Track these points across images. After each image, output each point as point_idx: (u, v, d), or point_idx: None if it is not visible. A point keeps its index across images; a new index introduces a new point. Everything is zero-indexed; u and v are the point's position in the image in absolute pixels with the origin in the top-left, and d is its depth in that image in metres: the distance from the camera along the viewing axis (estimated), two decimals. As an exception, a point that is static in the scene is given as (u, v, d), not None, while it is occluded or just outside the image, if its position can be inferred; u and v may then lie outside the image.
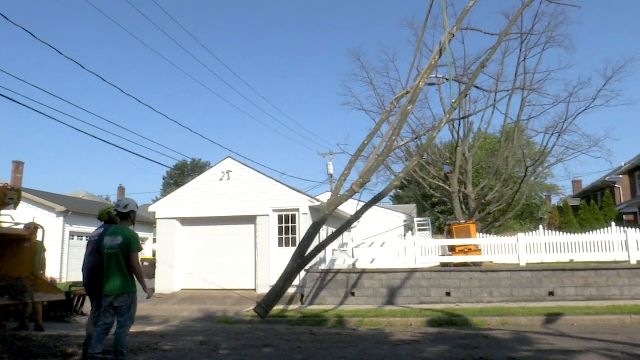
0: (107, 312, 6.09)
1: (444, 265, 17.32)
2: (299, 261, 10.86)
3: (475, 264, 16.86)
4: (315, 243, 12.70)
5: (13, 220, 10.38)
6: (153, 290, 6.52)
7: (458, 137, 27.02)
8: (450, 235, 19.95)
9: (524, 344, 8.04)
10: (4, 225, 10.52)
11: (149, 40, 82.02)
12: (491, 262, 19.66)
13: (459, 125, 27.05)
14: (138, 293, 6.41)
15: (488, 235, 25.07)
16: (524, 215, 42.49)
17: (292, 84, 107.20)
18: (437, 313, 11.79)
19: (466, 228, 19.61)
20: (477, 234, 21.27)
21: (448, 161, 27.83)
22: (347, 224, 12.14)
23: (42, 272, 10.73)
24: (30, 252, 9.98)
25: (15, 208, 9.93)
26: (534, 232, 23.74)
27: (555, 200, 45.94)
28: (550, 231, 24.16)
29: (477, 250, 19.00)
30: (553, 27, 24.61)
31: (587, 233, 20.35)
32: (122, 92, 35.51)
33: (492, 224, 29.57)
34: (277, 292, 10.17)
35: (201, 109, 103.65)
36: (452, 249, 19.01)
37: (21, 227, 10.16)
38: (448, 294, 14.21)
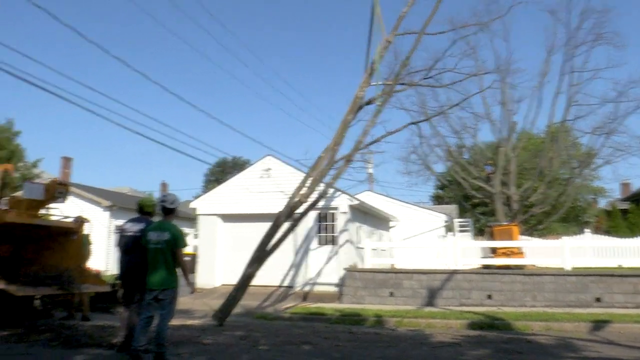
0: (150, 306, 6.21)
1: (485, 267, 16.99)
2: (250, 270, 11.88)
3: (517, 267, 16.47)
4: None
5: (62, 213, 10.73)
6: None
7: (501, 137, 26.44)
8: (491, 236, 19.55)
9: (569, 351, 7.82)
10: (54, 218, 10.90)
11: (189, 39, 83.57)
12: (534, 266, 19.14)
13: (502, 124, 26.48)
14: (180, 287, 6.53)
15: (531, 237, 24.45)
16: (568, 218, 41.23)
17: (332, 84, 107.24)
18: (478, 316, 11.59)
19: (508, 230, 19.17)
20: (520, 236, 20.77)
21: (490, 161, 27.27)
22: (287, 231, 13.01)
23: (87, 263, 11.08)
24: (78, 245, 10.30)
25: (64, 202, 10.25)
26: (580, 235, 23.03)
27: (602, 203, 44.44)
28: (596, 235, 23.40)
29: (519, 252, 18.55)
30: (601, 24, 23.77)
31: (637, 237, 19.59)
32: (165, 89, 36.49)
33: (535, 227, 28.86)
34: (231, 300, 11.25)
35: (242, 107, 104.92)
36: (494, 251, 18.63)
37: (69, 220, 10.50)
38: (489, 297, 13.94)
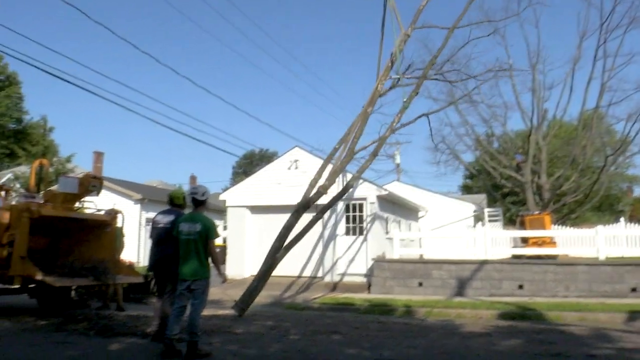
0: (183, 295, 6.32)
1: (515, 257, 16.79)
2: (270, 262, 11.94)
3: (549, 257, 16.22)
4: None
5: (95, 206, 10.98)
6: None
7: (531, 125, 25.95)
8: (522, 226, 19.30)
9: (605, 341, 7.68)
10: (88, 211, 11.16)
11: (216, 32, 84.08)
12: (567, 255, 18.84)
13: (532, 112, 25.99)
14: (212, 277, 6.63)
15: (563, 227, 24.03)
16: (602, 207, 40.38)
17: (360, 72, 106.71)
18: (509, 306, 11.46)
19: (540, 219, 18.90)
20: (552, 225, 20.45)
21: (520, 150, 26.85)
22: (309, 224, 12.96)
23: (121, 255, 11.33)
24: (111, 237, 10.51)
25: (97, 195, 10.47)
26: (614, 224, 22.51)
27: (637, 192, 43.32)
28: (631, 224, 22.83)
29: (551, 242, 18.29)
30: (636, 7, 23.06)
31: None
32: (193, 83, 37.04)
33: (568, 216, 28.33)
34: (252, 291, 11.13)
35: (269, 99, 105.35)
36: (525, 240, 18.39)
37: (103, 213, 10.73)
38: (520, 287, 13.77)
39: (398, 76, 13.98)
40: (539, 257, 15.94)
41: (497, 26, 17.70)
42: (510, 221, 36.75)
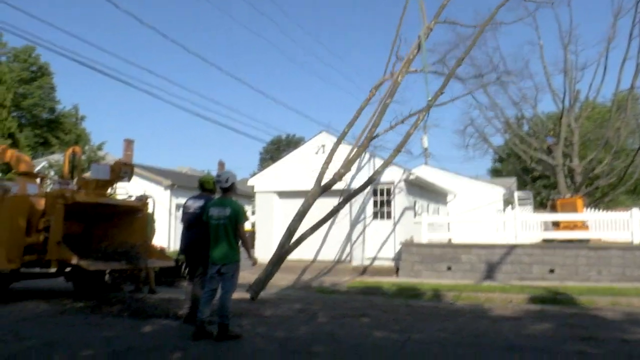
0: (213, 279, 6.43)
1: (546, 241, 16.54)
2: (286, 247, 12.17)
3: (581, 241, 15.93)
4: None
5: (127, 192, 11.21)
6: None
7: (563, 107, 25.35)
8: (554, 210, 18.98)
9: (638, 326, 7.53)
10: (120, 197, 11.40)
11: (242, 18, 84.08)
12: (599, 239, 18.47)
13: (564, 94, 25.36)
14: (242, 261, 6.73)
15: (596, 210, 23.53)
16: (637, 190, 39.34)
17: (384, 57, 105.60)
18: (539, 290, 11.32)
19: (572, 203, 18.54)
20: (584, 209, 20.04)
21: (551, 133, 26.29)
22: (330, 214, 13.30)
23: (152, 240, 11.57)
24: (143, 222, 10.73)
25: (128, 181, 10.67)
26: (649, 207, 21.91)
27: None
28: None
29: (583, 226, 17.94)
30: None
31: None
32: (221, 70, 37.09)
33: (601, 199, 27.71)
34: (266, 276, 11.28)
35: (296, 85, 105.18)
36: (556, 224, 18.09)
37: (134, 199, 10.95)
38: (551, 271, 13.57)
39: (421, 70, 14.02)
40: (570, 241, 15.67)
41: (529, 9, 17.28)
42: (541, 205, 36.18)
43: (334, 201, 18.01)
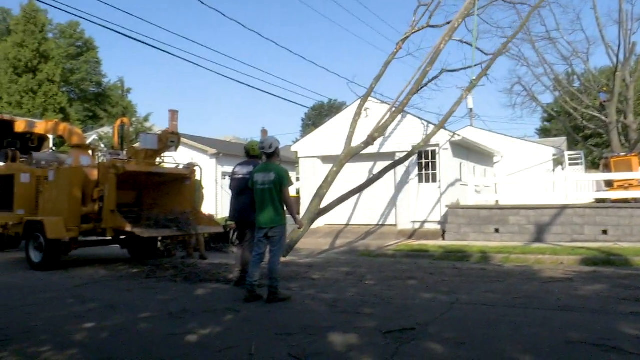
0: (261, 243, 6.55)
1: (599, 201, 16.02)
2: (320, 209, 12.71)
3: (636, 200, 15.36)
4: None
5: (175, 161, 11.45)
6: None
7: (617, 60, 24.06)
8: (607, 169, 18.28)
9: (699, 285, 7.27)
10: (168, 166, 11.67)
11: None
12: (656, 199, 17.75)
13: (618, 47, 24.04)
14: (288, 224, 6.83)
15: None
16: (697, 145, 37.38)
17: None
18: (591, 252, 11.05)
19: (627, 161, 17.80)
20: (640, 167, 19.22)
21: (605, 88, 25.05)
22: (368, 182, 13.95)
23: (201, 207, 11.86)
24: (191, 190, 10.98)
25: (175, 150, 10.90)
26: None
27: None
28: None
29: (639, 185, 17.24)
30: None
31: None
32: (260, 36, 36.88)
33: (658, 157, 26.50)
34: (297, 238, 11.84)
35: (337, 49, 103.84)
36: (610, 184, 17.47)
37: (182, 167, 11.19)
38: (604, 232, 13.18)
39: (466, 42, 13.73)
40: (625, 200, 15.14)
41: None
42: (593, 165, 34.93)
43: (385, 165, 18.08)
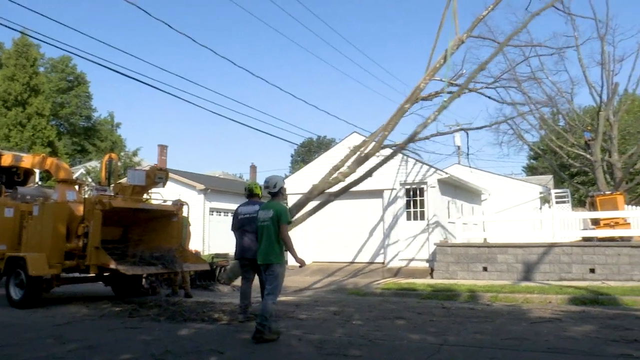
0: (262, 282, 6.63)
1: (586, 239, 16.09)
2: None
3: (623, 239, 15.44)
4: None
5: (162, 197, 11.38)
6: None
7: (600, 100, 24.59)
8: (593, 207, 18.43)
9: (686, 327, 7.24)
10: (155, 202, 11.59)
11: (274, 22, 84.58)
12: (642, 237, 17.88)
13: (602, 87, 24.59)
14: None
15: (638, 207, 22.77)
16: (681, 185, 37.96)
17: (413, 55, 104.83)
18: (579, 290, 11.01)
19: (612, 199, 17.97)
20: (625, 205, 19.41)
21: (589, 127, 25.51)
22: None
23: (188, 244, 11.74)
24: (178, 226, 10.89)
25: (163, 186, 10.84)
26: (695, 203, 21.08)
27: None
28: None
29: (625, 223, 17.38)
30: None
31: None
32: (251, 73, 37.27)
33: (643, 195, 26.84)
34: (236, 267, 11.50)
35: (326, 87, 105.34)
36: (596, 222, 17.59)
37: (169, 203, 11.11)
38: (592, 271, 13.20)
39: (445, 80, 13.88)
40: (611, 239, 15.22)
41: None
42: (579, 202, 35.28)
43: (373, 202, 18.03)
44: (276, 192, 6.83)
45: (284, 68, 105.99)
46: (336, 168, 13.41)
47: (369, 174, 13.80)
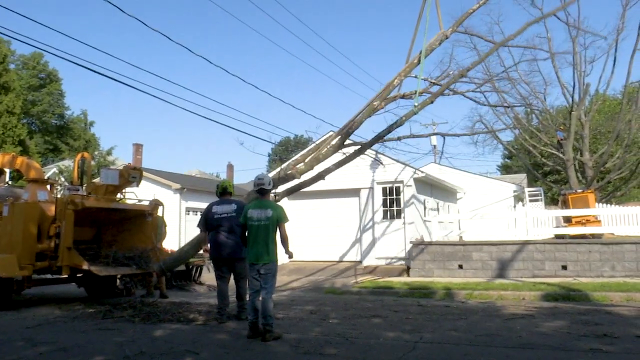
0: (255, 280, 6.57)
1: (558, 237, 16.40)
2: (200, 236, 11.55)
3: (594, 236, 15.78)
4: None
5: (136, 197, 11.25)
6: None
7: (572, 100, 25.09)
8: (565, 205, 18.82)
9: (654, 321, 7.43)
10: (129, 201, 11.44)
11: (250, 20, 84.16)
12: (612, 234, 18.28)
13: (573, 87, 25.10)
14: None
15: (608, 205, 23.30)
16: (649, 183, 38.94)
17: (390, 58, 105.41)
18: (552, 287, 11.22)
19: (584, 197, 18.37)
20: (596, 203, 19.85)
21: (562, 127, 26.02)
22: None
23: (163, 244, 11.60)
24: (153, 226, 10.77)
25: (137, 186, 10.71)
26: (663, 201, 21.64)
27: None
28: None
29: (596, 221, 17.78)
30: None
31: None
32: (227, 72, 37.17)
33: (613, 194, 27.44)
34: (182, 256, 10.59)
35: (304, 86, 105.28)
36: (568, 220, 17.95)
37: (144, 203, 10.98)
38: (564, 268, 13.45)
39: (419, 77, 12.92)
40: (583, 236, 15.54)
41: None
42: (552, 201, 35.93)
43: (350, 201, 18.04)
44: (269, 189, 6.88)
45: (270, 71, 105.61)
46: (297, 162, 13.09)
47: (320, 176, 13.09)
